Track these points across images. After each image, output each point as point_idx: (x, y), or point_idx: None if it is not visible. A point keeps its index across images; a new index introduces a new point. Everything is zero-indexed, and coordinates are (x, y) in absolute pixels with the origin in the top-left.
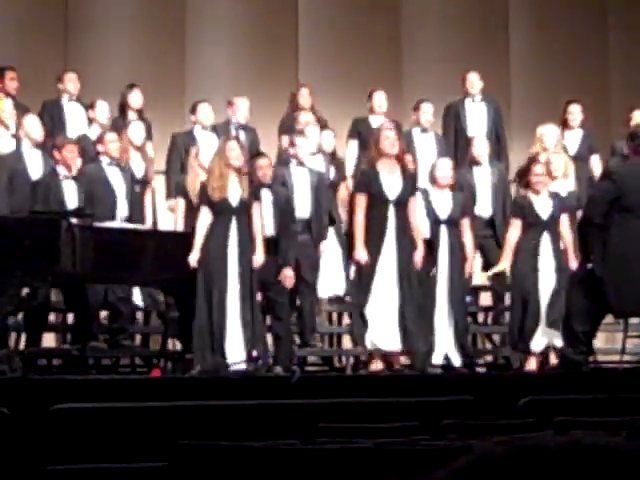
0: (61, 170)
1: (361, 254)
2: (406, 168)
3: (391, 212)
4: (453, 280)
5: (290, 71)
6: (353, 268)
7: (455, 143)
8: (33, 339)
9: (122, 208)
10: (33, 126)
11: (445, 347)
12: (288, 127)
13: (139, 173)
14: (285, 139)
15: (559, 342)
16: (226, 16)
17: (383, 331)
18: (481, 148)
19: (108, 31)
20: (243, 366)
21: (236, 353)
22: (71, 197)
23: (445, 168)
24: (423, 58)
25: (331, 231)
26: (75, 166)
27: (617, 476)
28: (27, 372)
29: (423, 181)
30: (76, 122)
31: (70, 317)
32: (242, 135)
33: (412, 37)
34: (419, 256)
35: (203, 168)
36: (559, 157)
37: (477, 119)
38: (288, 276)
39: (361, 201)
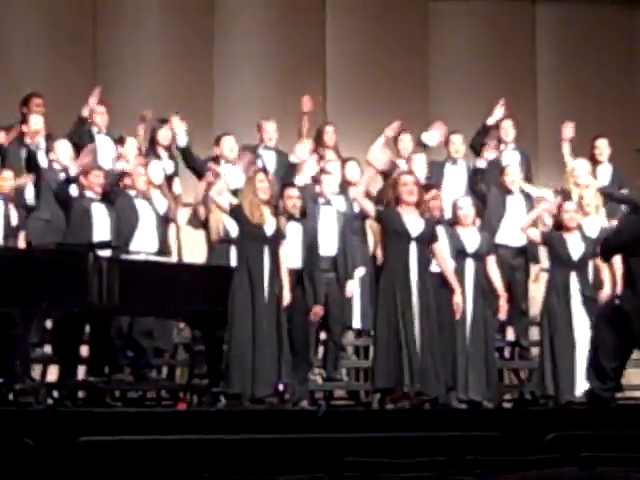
0: (89, 194)
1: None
2: (426, 213)
3: (413, 250)
4: (479, 317)
5: (317, 107)
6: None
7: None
8: (67, 371)
9: (151, 241)
10: (64, 150)
11: (471, 383)
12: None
13: (161, 210)
14: (309, 177)
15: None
16: (254, 49)
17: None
18: (514, 175)
19: (137, 64)
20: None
21: (265, 385)
22: (102, 223)
23: (467, 206)
24: (450, 99)
25: (360, 270)
26: (101, 193)
27: None
28: (58, 404)
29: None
30: (105, 155)
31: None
32: (272, 158)
33: (439, 79)
34: (458, 297)
35: (220, 208)
36: (590, 192)
37: (512, 169)
38: (319, 312)
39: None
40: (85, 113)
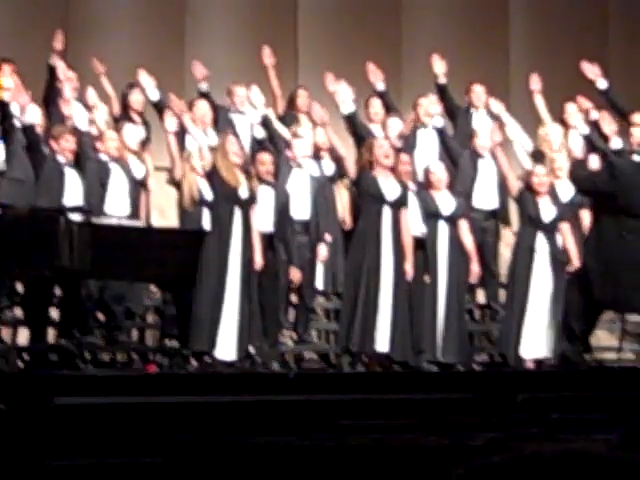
0: (60, 159)
1: None
2: (400, 178)
3: (386, 214)
4: (452, 278)
5: (290, 69)
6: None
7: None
8: (37, 334)
9: (123, 205)
10: (34, 115)
11: (443, 345)
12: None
13: (137, 175)
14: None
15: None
16: (226, 12)
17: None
18: (484, 140)
19: (107, 28)
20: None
21: (229, 348)
22: (72, 186)
23: (440, 171)
24: (423, 60)
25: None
26: (72, 158)
27: None
28: (28, 367)
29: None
30: (78, 120)
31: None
32: (244, 122)
33: (412, 39)
34: (410, 267)
35: (197, 172)
36: (562, 155)
37: (482, 132)
38: (296, 274)
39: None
40: (52, 61)
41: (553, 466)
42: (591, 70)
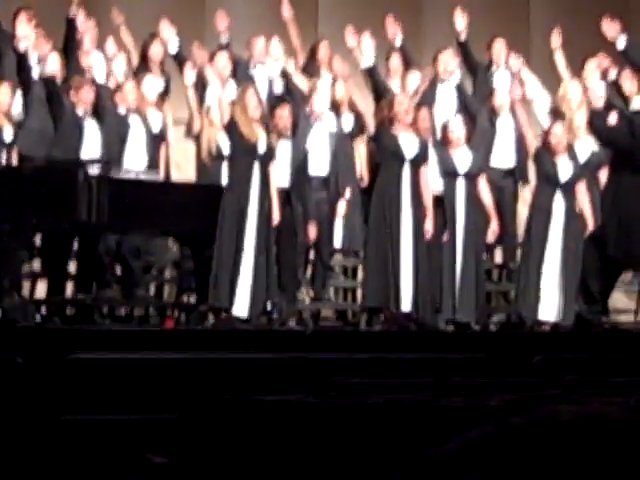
0: (79, 111)
1: None
2: (420, 133)
3: (406, 172)
4: (469, 237)
5: (310, 22)
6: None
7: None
8: (55, 288)
9: (141, 157)
10: (53, 63)
11: (459, 303)
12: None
13: (155, 127)
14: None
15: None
16: None
17: (395, 289)
18: (503, 97)
19: None
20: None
21: (246, 304)
22: (91, 138)
23: (458, 127)
24: (444, 18)
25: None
26: (91, 107)
27: (627, 449)
28: (46, 321)
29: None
30: (97, 70)
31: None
32: (260, 74)
33: None
34: (430, 223)
35: (212, 124)
36: (582, 114)
37: (501, 91)
38: (313, 231)
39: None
40: (71, 12)
41: (569, 430)
42: (611, 28)
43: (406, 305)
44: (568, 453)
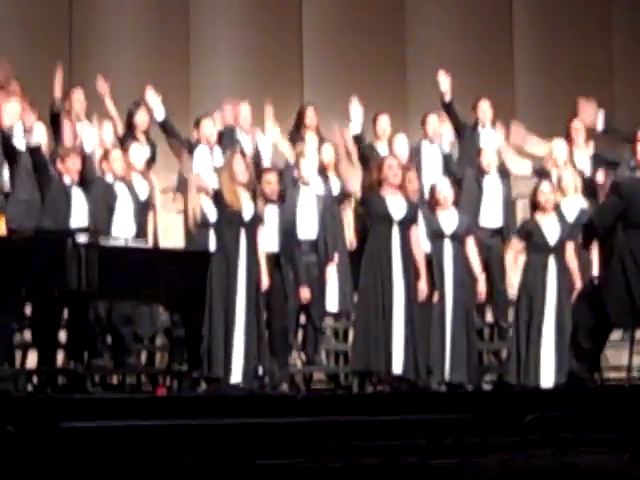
0: (67, 180)
1: None
2: (408, 196)
3: (395, 234)
4: (458, 297)
5: (295, 89)
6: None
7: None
8: (46, 357)
9: (129, 225)
10: (40, 135)
11: (451, 365)
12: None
13: (142, 195)
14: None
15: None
16: (230, 32)
17: (386, 351)
18: (490, 157)
19: (114, 46)
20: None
21: (238, 370)
22: (78, 207)
23: (446, 188)
24: (427, 80)
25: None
26: (77, 178)
27: None
28: (38, 391)
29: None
30: (85, 140)
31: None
32: (249, 140)
33: (416, 60)
34: (423, 283)
35: (202, 190)
36: (569, 172)
37: (488, 150)
38: (305, 294)
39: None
40: (56, 108)
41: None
42: (587, 110)
43: (397, 367)
44: None
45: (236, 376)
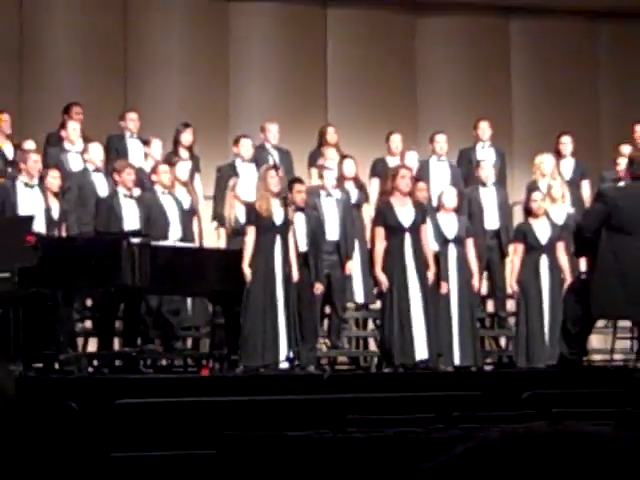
0: (121, 190)
1: (381, 278)
2: (417, 201)
3: (407, 239)
4: (463, 293)
5: (320, 111)
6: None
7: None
8: (104, 343)
9: (175, 230)
10: (96, 153)
11: (459, 350)
12: (315, 159)
13: (185, 205)
14: (313, 172)
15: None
16: (263, 63)
17: (413, 342)
18: (488, 170)
19: (163, 76)
20: (286, 364)
21: (280, 353)
22: (131, 215)
23: (451, 195)
24: (435, 105)
25: (357, 250)
26: (133, 188)
27: (596, 460)
28: (97, 372)
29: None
30: (136, 156)
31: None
32: (276, 155)
33: (425, 87)
34: (432, 274)
35: (238, 199)
36: (557, 182)
37: (486, 163)
38: (320, 288)
39: (379, 233)
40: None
41: (545, 443)
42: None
43: (422, 353)
44: (541, 465)
45: (275, 357)
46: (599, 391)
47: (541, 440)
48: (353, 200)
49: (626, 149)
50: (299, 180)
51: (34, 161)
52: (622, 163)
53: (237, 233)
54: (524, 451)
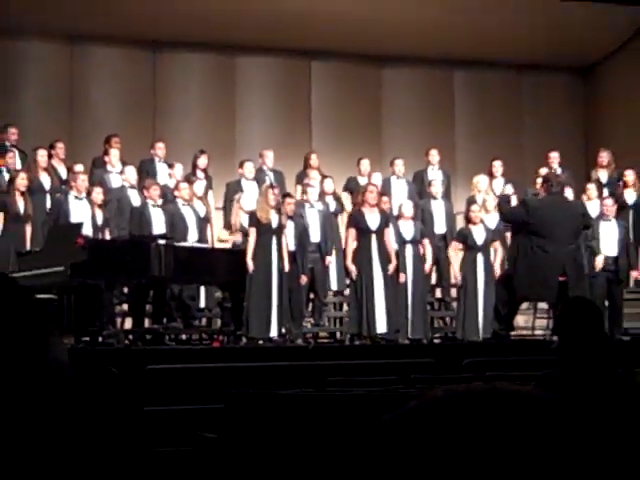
0: (150, 202)
1: (351, 268)
2: (382, 210)
3: (373, 239)
4: (417, 282)
5: (305, 141)
6: (348, 280)
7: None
8: (137, 322)
9: (193, 234)
10: (131, 173)
11: (411, 326)
12: (302, 179)
13: (201, 214)
14: (300, 188)
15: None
16: (262, 103)
17: (375, 319)
18: (437, 187)
19: (184, 115)
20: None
21: (273, 328)
22: (158, 222)
23: (408, 207)
24: (397, 137)
25: (334, 250)
26: (158, 200)
27: (520, 411)
28: (132, 344)
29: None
30: (163, 176)
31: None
32: (272, 176)
33: (389, 124)
34: (392, 267)
35: (242, 209)
36: (490, 197)
37: (435, 182)
38: (305, 279)
39: (352, 234)
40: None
41: (481, 398)
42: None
43: (380, 328)
44: (476, 415)
45: (271, 332)
46: (523, 359)
47: (477, 396)
48: (331, 210)
49: (543, 171)
50: (289, 195)
51: (82, 180)
52: (538, 181)
53: (245, 234)
54: (463, 405)
